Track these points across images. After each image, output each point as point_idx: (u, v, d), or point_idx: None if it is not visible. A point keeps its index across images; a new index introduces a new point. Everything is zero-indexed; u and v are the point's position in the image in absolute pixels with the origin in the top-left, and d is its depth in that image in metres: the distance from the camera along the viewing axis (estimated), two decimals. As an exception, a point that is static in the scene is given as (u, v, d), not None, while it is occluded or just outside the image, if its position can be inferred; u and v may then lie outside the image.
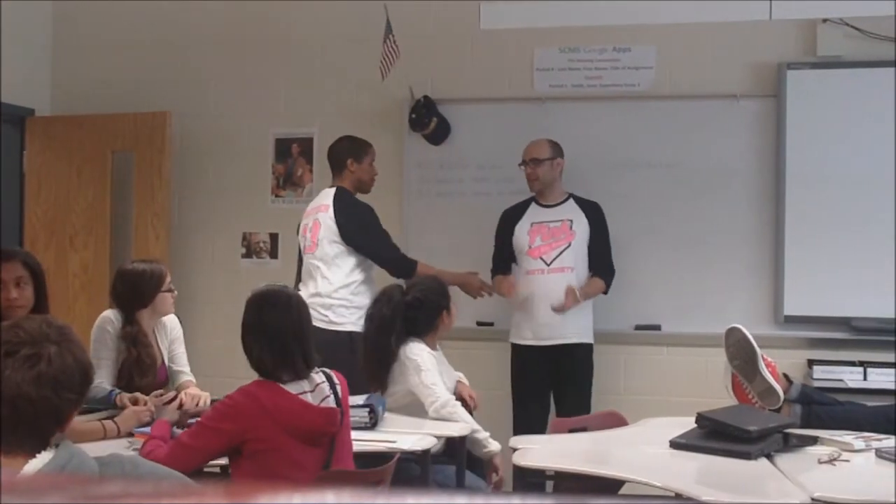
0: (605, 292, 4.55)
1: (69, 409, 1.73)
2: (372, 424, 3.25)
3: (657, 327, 4.83)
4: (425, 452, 3.10)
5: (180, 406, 3.20)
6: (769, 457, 2.92)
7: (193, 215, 5.38)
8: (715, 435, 3.02)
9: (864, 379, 4.46)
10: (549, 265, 4.44)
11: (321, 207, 4.29)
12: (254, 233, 5.32)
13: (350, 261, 4.21)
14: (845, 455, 2.93)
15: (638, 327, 4.84)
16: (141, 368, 3.49)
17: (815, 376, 4.47)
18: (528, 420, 4.36)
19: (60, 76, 5.55)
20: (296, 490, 0.61)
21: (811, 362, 4.59)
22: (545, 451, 3.15)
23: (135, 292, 3.54)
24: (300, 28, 5.27)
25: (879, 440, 3.04)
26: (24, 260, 3.15)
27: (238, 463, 2.67)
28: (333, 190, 4.31)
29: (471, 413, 3.61)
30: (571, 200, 4.57)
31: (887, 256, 4.55)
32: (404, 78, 4.85)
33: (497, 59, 5.03)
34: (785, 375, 3.42)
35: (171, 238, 5.25)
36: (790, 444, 3.05)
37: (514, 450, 3.07)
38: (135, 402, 3.23)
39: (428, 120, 4.96)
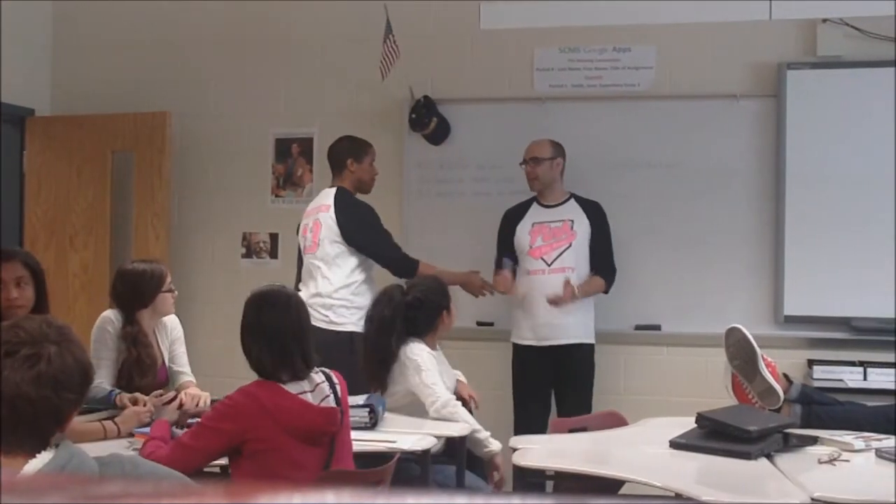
0: (606, 292, 4.55)
1: (69, 409, 1.73)
2: (372, 424, 3.25)
3: (657, 327, 4.83)
4: (425, 452, 3.10)
5: (180, 406, 3.20)
6: (769, 457, 2.92)
7: (193, 215, 5.38)
8: (715, 435, 3.02)
9: (864, 379, 4.46)
10: (549, 265, 4.44)
11: (322, 207, 4.28)
12: (254, 233, 5.32)
13: (351, 261, 4.21)
14: (845, 455, 2.93)
15: (638, 327, 4.84)
16: (141, 368, 3.49)
17: (815, 376, 4.47)
18: (529, 420, 4.36)
19: (60, 76, 5.55)
20: (296, 490, 0.61)
21: (811, 362, 4.59)
22: (545, 451, 3.15)
23: (135, 292, 3.54)
24: (300, 28, 5.27)
25: (879, 440, 3.04)
26: (25, 260, 3.15)
27: (238, 463, 2.67)
28: (334, 190, 4.31)
29: (471, 412, 3.61)
30: (573, 200, 4.57)
31: (887, 256, 4.55)
32: (404, 78, 4.85)
33: (497, 59, 5.03)
34: (785, 375, 3.42)
35: (171, 238, 5.25)
36: (790, 444, 3.05)
37: (514, 450, 3.07)
38: (134, 403, 3.23)
39: (428, 120, 4.96)
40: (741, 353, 3.36)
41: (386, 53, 4.59)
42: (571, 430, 3.55)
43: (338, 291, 4.17)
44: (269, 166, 5.31)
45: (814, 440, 3.09)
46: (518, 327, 4.54)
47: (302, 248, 4.37)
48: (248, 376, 2.76)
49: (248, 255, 5.33)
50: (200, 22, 5.38)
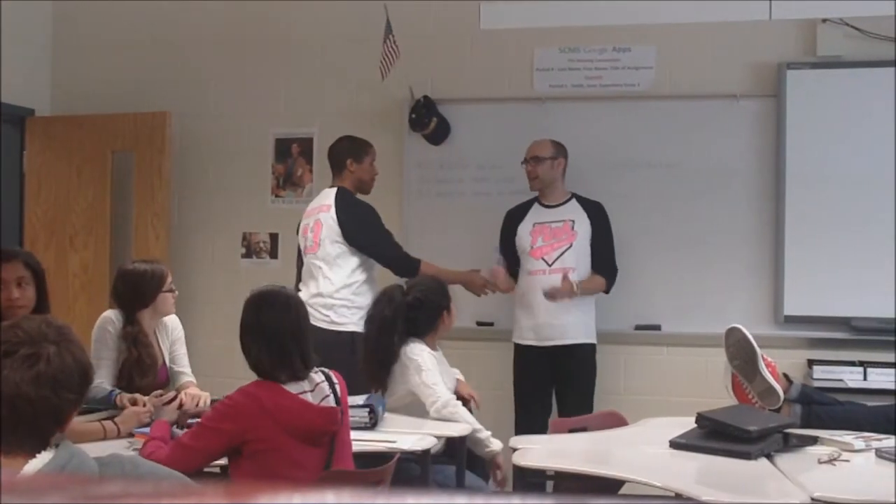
0: (607, 292, 4.54)
1: (68, 409, 1.73)
2: (372, 424, 3.25)
3: (657, 327, 4.83)
4: (425, 452, 3.10)
5: (180, 406, 3.20)
6: (769, 457, 2.92)
7: (193, 215, 5.38)
8: (715, 435, 3.02)
9: (864, 379, 4.46)
10: (550, 265, 4.44)
11: (322, 207, 4.28)
12: (254, 233, 5.32)
13: (352, 261, 4.21)
14: (845, 455, 2.93)
15: (638, 327, 4.84)
16: (141, 369, 3.48)
17: (815, 376, 4.47)
18: (530, 420, 4.36)
19: (60, 76, 5.55)
20: (296, 490, 0.61)
21: (811, 362, 4.59)
22: (545, 451, 3.16)
23: (136, 292, 3.54)
24: (300, 28, 5.27)
25: (879, 440, 3.04)
26: (26, 260, 3.15)
27: (238, 463, 2.67)
28: (335, 190, 4.31)
29: (471, 412, 3.61)
30: (574, 201, 4.57)
31: (887, 256, 4.55)
32: (404, 78, 4.85)
33: (497, 59, 5.03)
34: (785, 375, 3.42)
35: (171, 238, 5.25)
36: (790, 444, 3.05)
37: (514, 450, 3.07)
38: (134, 403, 3.23)
39: (428, 120, 4.96)
40: (741, 353, 3.36)
41: (386, 53, 4.59)
42: (571, 431, 3.55)
43: (339, 291, 4.16)
44: (269, 166, 5.31)
45: (814, 440, 3.09)
46: (519, 327, 4.54)
47: (302, 248, 4.37)
48: (248, 376, 2.76)
49: (248, 255, 5.33)
50: (200, 22, 5.38)
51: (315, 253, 4.24)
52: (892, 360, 4.43)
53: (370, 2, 4.76)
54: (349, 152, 4.36)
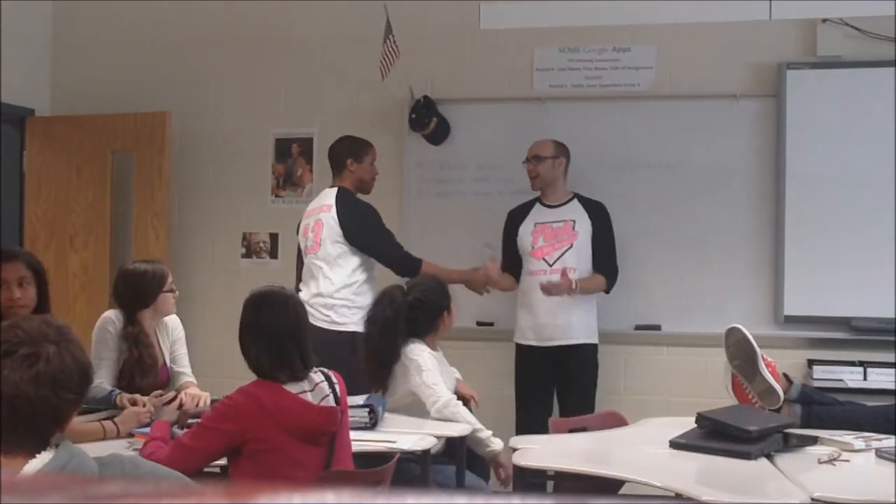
0: (607, 292, 4.54)
1: (68, 408, 1.73)
2: (372, 424, 3.25)
3: (657, 327, 4.83)
4: (425, 452, 3.10)
5: (180, 406, 3.20)
6: (769, 457, 2.92)
7: (193, 215, 5.38)
8: (715, 435, 3.02)
9: (864, 379, 4.46)
10: (551, 266, 4.43)
11: (323, 207, 4.28)
12: (254, 233, 5.32)
13: (353, 261, 4.21)
14: (845, 455, 2.93)
15: (638, 327, 4.84)
16: (142, 369, 3.48)
17: (815, 376, 4.47)
18: (531, 420, 4.35)
19: (60, 76, 5.55)
20: (296, 490, 0.61)
21: (811, 362, 4.59)
22: (545, 451, 3.15)
23: (136, 292, 3.54)
24: (300, 28, 5.27)
25: (879, 440, 3.04)
26: (27, 260, 3.15)
27: (238, 463, 2.67)
28: (335, 190, 4.31)
29: (471, 412, 3.61)
30: (576, 201, 4.56)
31: (887, 256, 4.55)
32: (404, 78, 4.85)
33: (497, 59, 5.03)
34: (785, 375, 3.42)
35: (171, 238, 5.25)
36: (790, 444, 3.05)
37: (515, 450, 3.07)
38: (134, 403, 3.23)
39: (428, 120, 4.96)
40: (741, 353, 3.36)
41: (386, 53, 4.58)
42: (571, 430, 3.55)
43: (340, 291, 4.16)
44: (269, 166, 5.31)
45: (814, 440, 3.09)
46: (520, 327, 4.53)
47: (303, 248, 4.37)
48: (248, 376, 2.76)
49: (248, 255, 5.33)
50: (200, 22, 5.38)
51: (316, 253, 4.24)
52: (892, 360, 4.43)
53: (370, 2, 4.76)
54: (349, 152, 4.36)
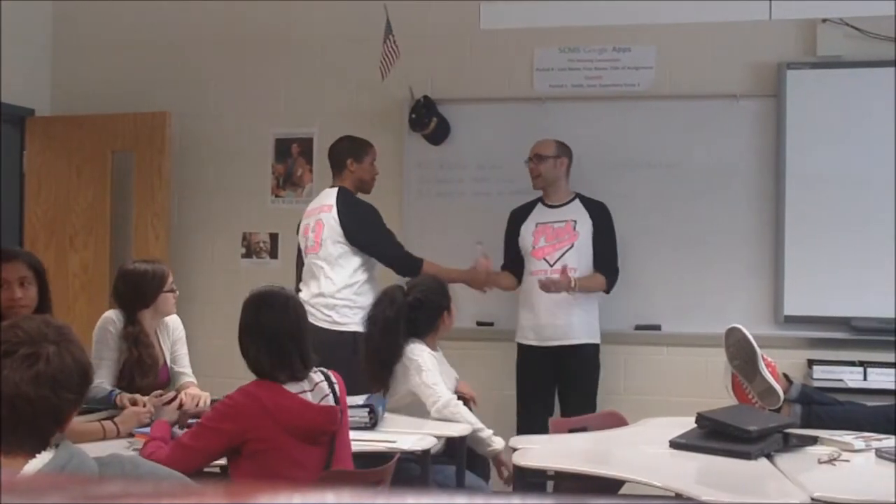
0: (607, 292, 4.54)
1: (68, 408, 1.73)
2: (372, 424, 3.25)
3: (657, 327, 4.83)
4: (425, 452, 3.10)
5: (180, 406, 3.20)
6: (769, 457, 2.92)
7: (193, 215, 5.38)
8: (715, 435, 3.02)
9: (864, 379, 4.46)
10: (552, 266, 4.43)
11: (324, 207, 4.28)
12: (254, 233, 5.32)
13: (354, 261, 4.21)
14: (845, 455, 2.93)
15: (638, 327, 4.84)
16: (142, 369, 3.48)
17: (815, 376, 4.47)
18: (532, 420, 4.35)
19: (60, 76, 5.55)
20: (296, 490, 0.61)
21: (811, 362, 4.59)
22: (545, 451, 3.15)
23: (137, 292, 3.54)
24: (300, 28, 5.27)
25: (879, 440, 3.04)
26: (28, 260, 3.15)
27: (238, 463, 2.67)
28: (335, 190, 4.31)
29: (471, 411, 3.61)
30: (577, 201, 4.56)
31: (887, 256, 4.55)
32: (404, 78, 4.85)
33: (497, 59, 5.03)
34: (785, 375, 3.42)
35: (171, 238, 5.25)
36: (790, 444, 3.05)
37: (515, 450, 3.08)
38: (134, 403, 3.23)
39: (428, 120, 4.96)
40: (741, 353, 3.36)
41: (386, 53, 4.58)
42: (572, 430, 3.56)
43: (341, 291, 4.16)
44: (269, 166, 5.31)
45: (814, 440, 3.09)
46: (522, 327, 4.53)
47: (303, 248, 4.37)
48: (248, 376, 2.76)
49: (248, 255, 5.33)
50: (200, 22, 5.38)
51: (317, 253, 4.24)
52: (892, 360, 4.43)
53: (370, 2, 4.76)
54: (349, 152, 4.36)
